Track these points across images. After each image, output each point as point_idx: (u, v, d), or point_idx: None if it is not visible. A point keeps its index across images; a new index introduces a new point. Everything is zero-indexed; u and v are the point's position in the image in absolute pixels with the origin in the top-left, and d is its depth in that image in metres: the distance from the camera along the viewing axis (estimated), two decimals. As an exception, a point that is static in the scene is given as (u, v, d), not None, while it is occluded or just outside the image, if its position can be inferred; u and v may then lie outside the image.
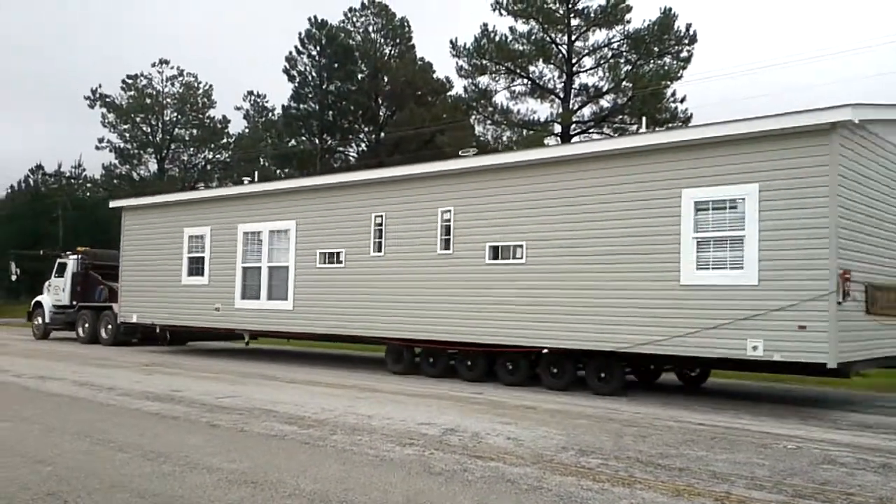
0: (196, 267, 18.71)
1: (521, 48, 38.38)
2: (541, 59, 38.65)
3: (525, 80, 39.58)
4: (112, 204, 22.52)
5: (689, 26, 36.49)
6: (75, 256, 24.73)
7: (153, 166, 56.33)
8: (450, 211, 14.13)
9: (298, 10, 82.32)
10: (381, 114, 46.36)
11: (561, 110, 38.82)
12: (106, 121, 54.58)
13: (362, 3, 46.71)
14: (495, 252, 13.44)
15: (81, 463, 6.75)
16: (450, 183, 14.26)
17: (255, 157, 51.73)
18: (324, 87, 45.74)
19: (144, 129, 55.92)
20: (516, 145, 37.79)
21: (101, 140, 54.75)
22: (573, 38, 38.11)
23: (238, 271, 17.64)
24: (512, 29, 38.46)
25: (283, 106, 47.55)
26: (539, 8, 37.31)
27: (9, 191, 58.40)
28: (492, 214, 13.53)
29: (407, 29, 46.90)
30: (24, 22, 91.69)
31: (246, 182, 19.33)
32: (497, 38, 38.30)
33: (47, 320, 24.68)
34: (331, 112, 45.92)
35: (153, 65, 56.14)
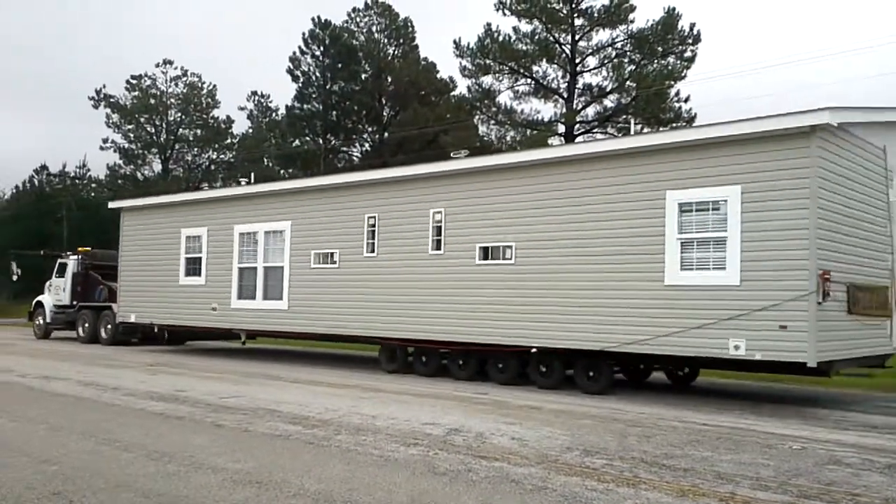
0: (193, 267, 18.87)
1: (524, 48, 38.39)
2: (544, 59, 38.66)
3: (528, 80, 39.60)
4: (111, 205, 22.67)
5: (692, 26, 36.51)
6: (76, 257, 24.91)
7: (157, 166, 56.46)
8: (441, 212, 14.28)
9: (302, 11, 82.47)
10: (384, 114, 46.38)
11: (564, 110, 38.83)
12: (110, 121, 54.73)
13: (366, 3, 46.75)
14: (485, 253, 13.61)
15: (87, 462, 6.77)
16: (441, 184, 14.43)
17: (258, 157, 51.78)
18: (327, 87, 45.78)
19: (149, 129, 56.02)
20: (520, 145, 37.84)
21: (105, 140, 54.90)
22: (577, 37, 38.12)
23: (234, 271, 17.79)
24: (515, 29, 38.50)
25: (286, 106, 47.64)
26: (542, 8, 37.31)
27: (14, 191, 58.58)
28: (482, 216, 13.70)
29: (410, 29, 46.92)
30: (24, 22, 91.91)
31: (243, 183, 19.45)
32: (500, 38, 38.32)
33: (48, 320, 24.85)
34: (334, 112, 45.96)
35: (157, 65, 56.13)
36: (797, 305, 10.19)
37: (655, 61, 37.55)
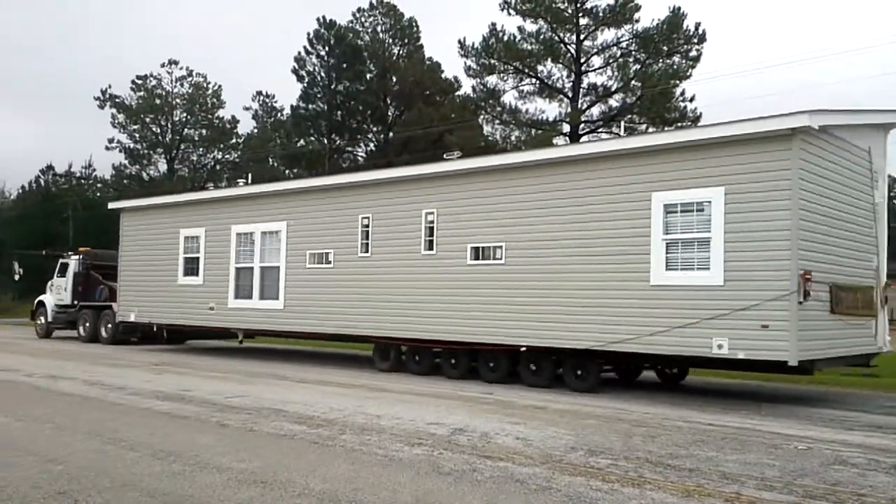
0: (191, 267, 19.07)
1: (529, 47, 38.38)
2: (549, 59, 38.65)
3: (533, 80, 39.60)
4: (111, 205, 22.92)
5: (697, 25, 36.47)
6: (77, 257, 25.09)
7: (163, 166, 56.56)
8: (433, 213, 14.46)
9: (307, 11, 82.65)
10: (389, 114, 46.42)
11: (569, 110, 38.80)
12: (116, 121, 54.85)
13: (370, 4, 46.80)
14: (476, 253, 13.80)
15: (92, 462, 6.78)
16: (433, 185, 14.61)
17: (263, 157, 51.86)
18: (332, 87, 45.83)
19: (154, 129, 56.13)
20: (525, 145, 37.81)
21: (111, 140, 55.06)
22: (582, 37, 38.09)
23: (231, 271, 18.00)
24: (520, 28, 38.50)
25: (291, 106, 47.75)
26: (547, 7, 37.30)
27: (20, 191, 58.77)
28: (473, 216, 13.88)
29: (415, 29, 46.96)
30: (25, 22, 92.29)
31: (241, 183, 19.78)
32: (505, 38, 38.32)
33: (50, 319, 25.07)
34: (339, 112, 46.01)
35: (162, 65, 56.26)
36: (778, 305, 10.36)
37: (660, 61, 37.51)
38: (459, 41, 39.30)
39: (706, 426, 9.29)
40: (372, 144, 47.46)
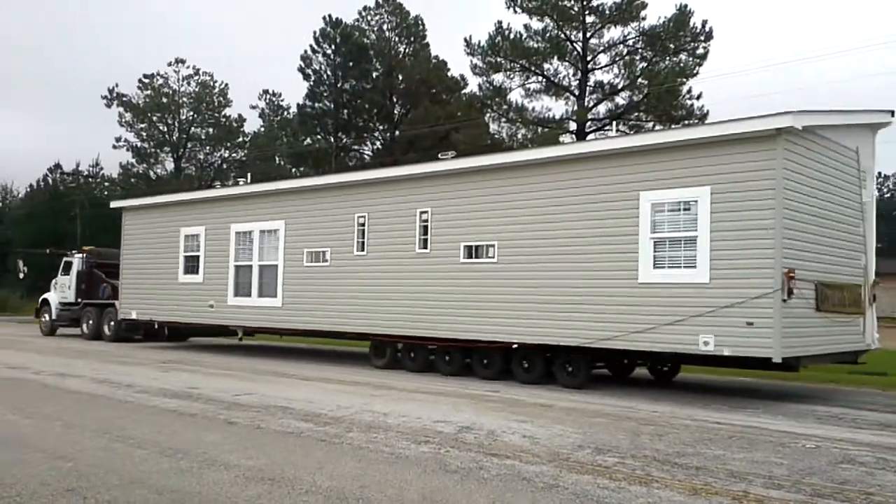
0: (192, 265, 19.30)
1: (535, 45, 38.32)
2: (556, 57, 38.59)
3: (540, 78, 39.54)
4: (113, 204, 23.17)
5: (704, 23, 36.39)
6: (80, 255, 25.35)
7: (170, 165, 56.76)
8: (427, 212, 14.64)
9: (313, 9, 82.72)
10: (395, 112, 46.44)
11: (576, 107, 38.75)
12: (123, 120, 55.02)
13: (377, 2, 46.81)
14: (469, 251, 13.99)
15: (101, 459, 6.81)
16: (427, 185, 14.83)
17: (270, 155, 51.93)
18: (339, 85, 45.87)
19: (161, 127, 56.30)
20: (531, 143, 37.77)
21: (118, 139, 55.25)
22: (588, 35, 38.02)
23: (231, 269, 18.22)
24: (527, 26, 38.44)
25: (298, 104, 47.84)
26: (554, 5, 37.23)
27: (28, 189, 58.98)
28: (466, 215, 14.09)
29: (421, 27, 46.95)
30: (26, 22, 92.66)
31: (241, 183, 20.13)
32: (512, 36, 38.27)
33: (54, 317, 25.35)
34: (346, 110, 46.06)
35: (169, 64, 56.41)
36: (763, 303, 10.52)
37: (667, 58, 37.43)
38: (465, 39, 39.28)
39: (713, 424, 9.27)
40: (378, 143, 47.50)
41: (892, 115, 13.20)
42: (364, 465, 6.70)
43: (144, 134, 55.91)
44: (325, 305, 16.18)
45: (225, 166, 57.27)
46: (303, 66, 46.21)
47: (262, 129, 56.85)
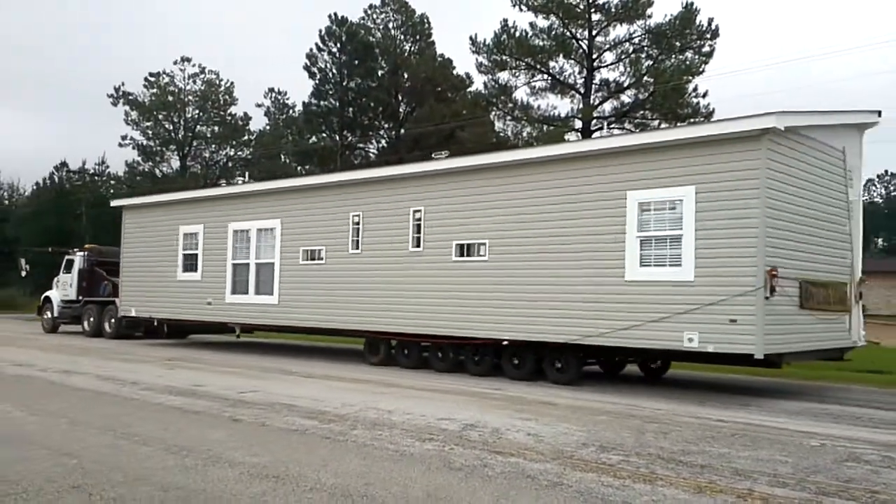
0: (190, 263, 19.53)
1: (541, 43, 38.24)
2: (561, 55, 38.49)
3: (545, 76, 39.46)
4: (113, 203, 23.48)
5: (710, 21, 36.27)
6: (82, 253, 25.62)
7: (175, 163, 56.73)
8: (420, 211, 14.82)
9: (318, 8, 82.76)
10: (401, 110, 46.43)
11: (581, 106, 38.66)
12: (129, 118, 55.04)
13: (382, 0, 46.76)
14: (461, 250, 14.19)
15: (106, 456, 6.83)
16: (420, 184, 15.02)
17: (276, 153, 51.95)
18: (344, 83, 45.86)
19: (167, 126, 56.30)
20: (536, 141, 37.70)
21: (124, 137, 55.27)
22: (594, 33, 37.92)
23: (228, 267, 18.44)
24: (532, 24, 38.36)
25: (303, 103, 47.82)
26: (559, 3, 37.14)
27: (34, 188, 59.13)
28: (458, 214, 14.28)
29: (426, 25, 46.92)
30: (25, 22, 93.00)
31: (239, 182, 20.53)
32: (517, 34, 38.19)
33: (56, 314, 25.61)
34: (351, 109, 46.05)
35: (175, 62, 56.40)
36: (745, 300, 10.69)
37: (673, 56, 37.31)
38: (471, 37, 39.21)
39: (717, 422, 9.26)
40: (383, 141, 47.48)
41: (879, 116, 13.40)
42: (369, 462, 6.71)
43: (150, 132, 55.91)
44: (321, 303, 16.40)
45: (230, 164, 57.26)
46: (308, 64, 46.21)
47: (268, 127, 56.84)
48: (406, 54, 46.53)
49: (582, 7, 37.31)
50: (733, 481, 6.29)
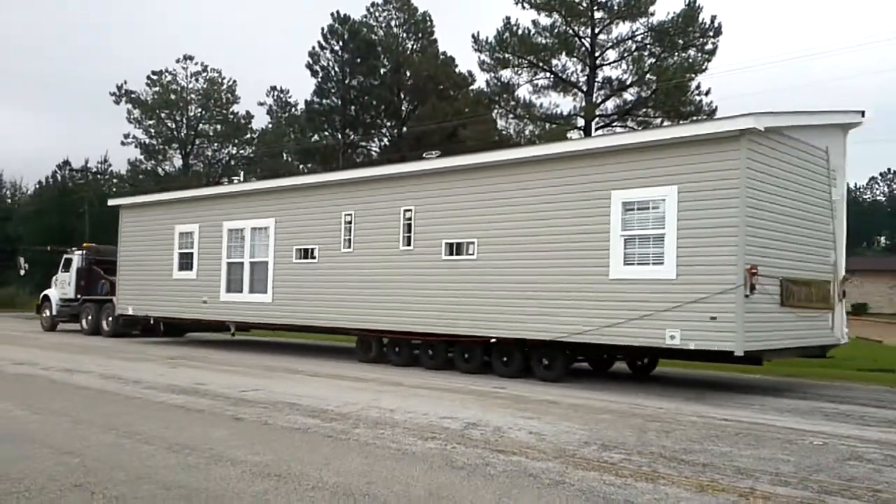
0: (186, 262, 19.69)
1: (543, 41, 38.21)
2: (564, 53, 38.45)
3: (548, 74, 39.42)
4: (110, 202, 23.63)
5: (713, 18, 36.21)
6: (80, 252, 25.78)
7: (178, 162, 56.82)
8: (411, 210, 14.95)
9: (321, 6, 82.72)
10: (403, 108, 46.42)
11: (584, 104, 38.62)
12: (132, 116, 55.10)
13: (384, -2, 46.73)
14: (451, 248, 14.35)
15: (108, 455, 6.84)
16: (411, 184, 15.18)
17: (278, 152, 51.96)
18: (346, 82, 45.86)
19: (169, 124, 56.36)
20: (539, 139, 37.67)
21: (126, 136, 55.33)
22: (596, 30, 37.87)
23: (223, 266, 18.58)
24: (535, 22, 38.32)
25: (305, 101, 47.86)
26: (562, 1, 37.09)
27: (37, 186, 59.20)
28: (448, 213, 14.44)
29: (429, 23, 46.90)
30: (25, 22, 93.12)
31: (235, 181, 20.77)
32: (520, 32, 38.15)
33: (54, 313, 25.77)
34: (353, 107, 46.05)
35: (177, 60, 56.41)
36: (725, 298, 10.85)
37: (676, 54, 37.26)
38: (473, 35, 39.15)
39: (720, 421, 9.25)
40: (386, 139, 47.48)
41: (863, 116, 13.53)
42: (371, 461, 6.71)
43: (153, 131, 55.97)
44: (314, 301, 16.56)
45: (233, 163, 57.31)
46: (310, 62, 46.22)
47: (270, 125, 56.89)
48: (408, 52, 46.51)
49: (584, 5, 37.27)
50: (735, 480, 6.28)
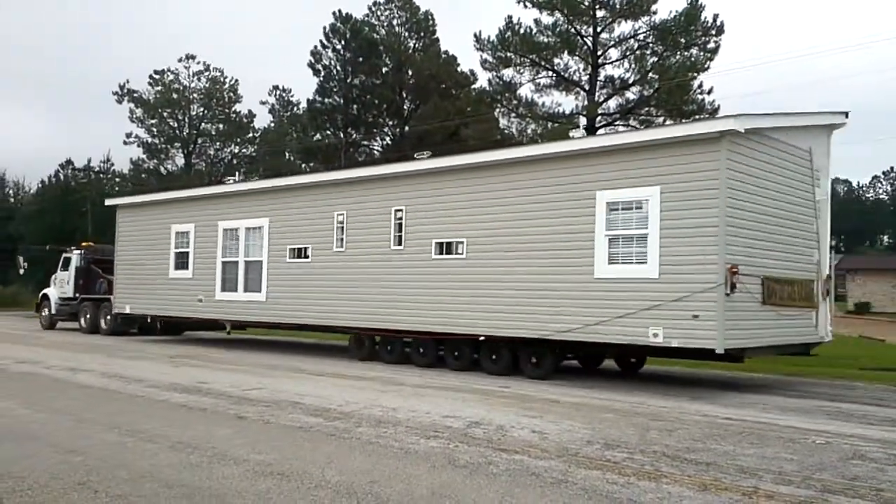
0: (182, 261, 19.90)
1: (545, 40, 38.14)
2: (566, 51, 38.37)
3: (550, 73, 39.35)
4: (108, 202, 23.79)
5: (716, 17, 36.14)
6: (79, 251, 25.97)
7: (180, 161, 56.80)
8: (402, 210, 15.13)
9: (323, 5, 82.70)
10: (405, 107, 46.38)
11: (586, 102, 38.57)
12: (134, 116, 55.10)
13: (386, -3, 46.69)
14: (441, 248, 14.55)
15: (111, 453, 6.85)
16: (402, 184, 15.37)
17: (280, 151, 51.95)
18: (348, 80, 45.84)
19: (171, 123, 56.34)
20: (541, 138, 37.63)
21: (129, 135, 55.33)
22: (599, 29, 37.81)
23: (218, 265, 18.79)
24: (537, 21, 38.23)
25: (307, 100, 47.79)
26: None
27: (39, 186, 59.24)
28: (438, 213, 14.62)
29: (431, 22, 46.85)
30: (25, 22, 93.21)
31: (230, 181, 21.03)
32: (522, 31, 38.09)
33: (53, 311, 25.95)
34: (355, 106, 46.03)
35: (179, 60, 56.39)
36: (707, 297, 11.04)
37: (678, 53, 37.18)
38: (475, 34, 39.07)
39: (723, 420, 9.24)
40: (388, 138, 47.46)
41: (846, 117, 13.67)
42: (373, 459, 6.72)
43: (155, 130, 55.95)
44: (307, 300, 16.75)
45: (235, 162, 57.32)
46: (312, 61, 46.19)
47: (272, 124, 56.87)
48: (410, 51, 46.48)
49: (587, 3, 37.20)
50: (738, 479, 6.28)
